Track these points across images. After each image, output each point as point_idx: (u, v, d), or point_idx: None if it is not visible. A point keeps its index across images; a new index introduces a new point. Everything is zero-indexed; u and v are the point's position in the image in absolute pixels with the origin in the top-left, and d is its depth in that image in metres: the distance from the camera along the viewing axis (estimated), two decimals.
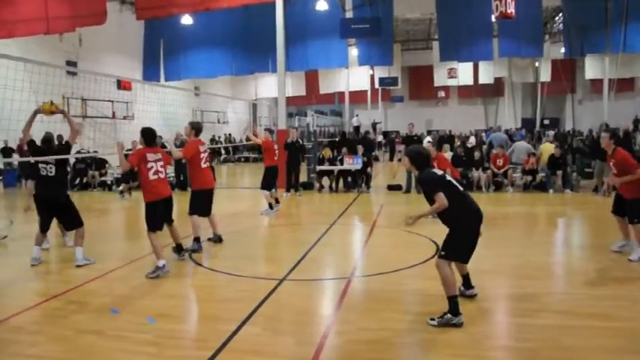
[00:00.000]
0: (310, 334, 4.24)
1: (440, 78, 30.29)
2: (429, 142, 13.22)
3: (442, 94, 36.15)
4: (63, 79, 15.51)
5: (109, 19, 16.05)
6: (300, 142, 14.20)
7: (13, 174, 17.23)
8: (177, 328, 4.52)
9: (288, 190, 13.44)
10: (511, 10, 13.35)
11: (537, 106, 34.22)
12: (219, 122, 32.90)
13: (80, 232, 6.63)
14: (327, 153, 15.00)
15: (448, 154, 13.60)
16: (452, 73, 29.70)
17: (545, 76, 30.80)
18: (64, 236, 7.61)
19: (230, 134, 32.79)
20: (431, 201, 4.38)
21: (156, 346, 4.05)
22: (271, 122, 30.56)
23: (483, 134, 25.93)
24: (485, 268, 5.69)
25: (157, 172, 6.19)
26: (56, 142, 7.04)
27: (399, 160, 23.32)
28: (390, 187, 14.26)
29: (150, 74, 22.05)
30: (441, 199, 4.21)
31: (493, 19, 16.58)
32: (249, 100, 28.16)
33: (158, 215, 6.28)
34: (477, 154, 14.03)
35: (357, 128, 28.25)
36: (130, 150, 10.50)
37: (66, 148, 6.82)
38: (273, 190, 10.77)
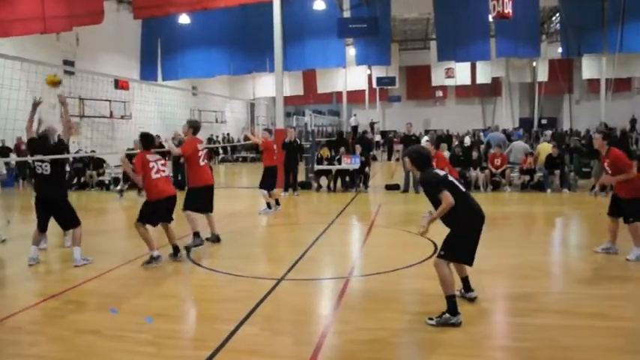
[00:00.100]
0: (308, 333, 4.24)
1: (437, 78, 30.30)
2: (427, 141, 13.24)
3: (440, 93, 36.19)
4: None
5: (106, 18, 16.02)
6: (298, 142, 14.19)
7: (11, 174, 17.17)
8: (175, 327, 4.51)
9: (286, 190, 13.44)
10: (508, 10, 13.39)
11: (535, 106, 34.30)
12: (217, 122, 32.88)
13: (77, 232, 6.61)
14: (325, 153, 15.00)
15: (445, 154, 13.62)
16: (449, 73, 29.72)
17: (543, 76, 30.88)
18: (65, 236, 7.57)
19: (228, 134, 32.78)
20: (434, 201, 4.36)
21: (154, 345, 4.05)
22: (269, 122, 30.51)
23: (481, 134, 25.97)
24: (484, 268, 5.69)
25: (158, 171, 6.47)
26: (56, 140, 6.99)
27: (397, 159, 23.41)
28: (388, 187, 14.27)
29: (147, 74, 21.99)
30: (447, 197, 4.17)
31: (490, 19, 16.60)
32: (247, 100, 28.13)
33: (156, 214, 6.48)
34: (474, 154, 14.06)
35: (355, 128, 28.27)
36: (131, 149, 10.50)
37: (61, 145, 6.68)
38: (274, 190, 10.77)
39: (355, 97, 32.64)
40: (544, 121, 34.09)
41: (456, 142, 18.86)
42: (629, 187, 6.24)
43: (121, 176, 14.89)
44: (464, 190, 4.47)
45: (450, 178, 4.45)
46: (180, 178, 14.60)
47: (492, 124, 29.63)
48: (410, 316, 4.57)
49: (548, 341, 3.95)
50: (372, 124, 32.07)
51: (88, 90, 17.56)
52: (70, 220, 6.66)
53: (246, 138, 11.55)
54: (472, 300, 4.83)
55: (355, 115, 31.79)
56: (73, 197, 7.96)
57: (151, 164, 6.43)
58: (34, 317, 4.75)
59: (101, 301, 5.13)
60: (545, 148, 13.95)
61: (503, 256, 6.55)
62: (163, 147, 10.96)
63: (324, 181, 14.73)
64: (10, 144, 16.83)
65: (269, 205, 10.55)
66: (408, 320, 4.50)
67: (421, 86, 35.35)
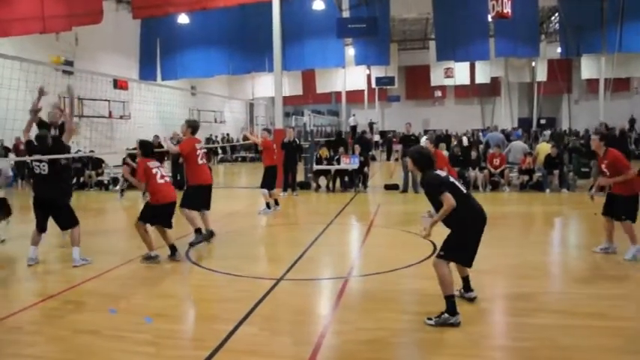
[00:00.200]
0: (307, 333, 4.24)
1: (436, 78, 30.29)
2: (426, 139, 13.23)
3: (439, 93, 36.16)
4: (59, 79, 15.38)
5: (105, 18, 16.01)
6: (297, 142, 14.19)
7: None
8: (174, 327, 4.51)
9: (285, 190, 13.43)
10: (507, 9, 13.37)
11: (534, 106, 34.28)
12: (215, 122, 32.84)
13: (76, 232, 6.59)
14: (324, 153, 15.00)
15: (444, 154, 13.61)
16: (448, 73, 29.70)
17: (542, 75, 30.85)
18: (63, 236, 7.55)
19: (227, 134, 32.75)
20: (435, 202, 4.36)
21: (153, 345, 4.05)
22: (268, 122, 30.48)
23: (480, 134, 25.97)
24: (483, 268, 5.67)
25: (162, 177, 6.63)
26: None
27: (396, 159, 23.39)
28: (387, 187, 14.27)
29: (146, 74, 21.97)
30: (449, 199, 4.18)
31: (489, 18, 16.62)
32: (246, 100, 28.10)
33: (157, 217, 6.58)
34: (473, 154, 14.06)
35: (354, 128, 28.25)
36: (132, 149, 10.49)
37: (60, 145, 6.62)
38: (274, 190, 10.77)
39: (354, 97, 32.63)
40: (543, 121, 34.10)
41: (455, 142, 18.87)
42: (626, 186, 6.25)
43: (120, 176, 14.87)
44: (465, 191, 4.46)
45: (452, 179, 4.45)
46: (179, 177, 14.60)
47: (491, 124, 29.62)
48: (409, 316, 4.57)
49: (547, 341, 3.95)
50: (371, 124, 32.03)
51: (87, 90, 17.48)
52: (68, 220, 6.63)
53: (245, 138, 11.53)
54: (471, 300, 4.82)
55: (354, 115, 31.77)
56: (72, 197, 7.93)
57: (154, 170, 6.56)
58: (33, 317, 4.75)
59: (100, 301, 5.12)
60: (544, 148, 13.96)
61: (502, 256, 6.55)
62: (162, 147, 10.97)
63: (323, 181, 14.73)
64: (10, 144, 16.79)
65: (268, 205, 10.55)
66: (407, 320, 4.50)
67: (420, 86, 35.33)
